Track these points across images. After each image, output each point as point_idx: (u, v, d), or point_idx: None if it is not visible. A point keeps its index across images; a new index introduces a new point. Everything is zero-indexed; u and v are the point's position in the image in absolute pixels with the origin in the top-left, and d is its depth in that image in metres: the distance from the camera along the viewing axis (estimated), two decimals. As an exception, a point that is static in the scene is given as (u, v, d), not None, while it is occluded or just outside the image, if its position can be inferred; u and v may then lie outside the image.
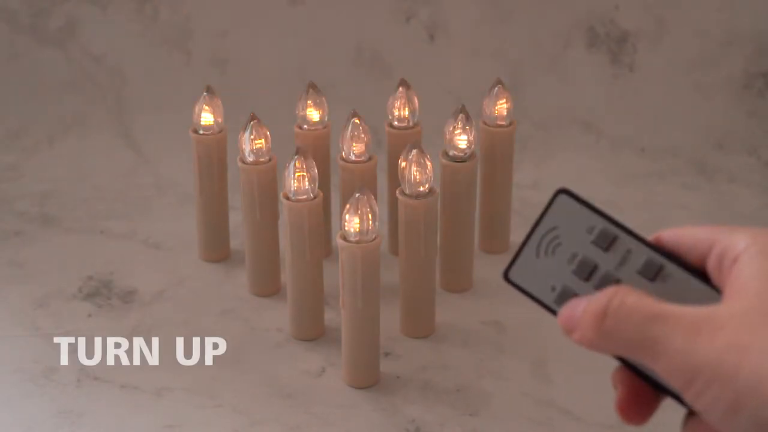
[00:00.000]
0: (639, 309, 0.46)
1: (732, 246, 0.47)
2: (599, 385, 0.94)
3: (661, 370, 0.45)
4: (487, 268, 1.12)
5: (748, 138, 1.38)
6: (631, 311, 0.46)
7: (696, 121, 1.40)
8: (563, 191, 0.52)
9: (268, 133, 1.04)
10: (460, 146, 1.05)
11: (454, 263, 1.09)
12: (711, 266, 0.48)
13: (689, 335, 0.44)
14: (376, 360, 0.96)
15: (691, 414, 0.46)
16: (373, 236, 0.92)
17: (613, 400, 0.45)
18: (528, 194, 1.27)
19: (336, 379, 0.97)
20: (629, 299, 0.46)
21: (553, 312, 0.50)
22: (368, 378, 0.96)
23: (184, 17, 1.44)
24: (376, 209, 0.92)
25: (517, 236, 1.15)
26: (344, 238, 0.92)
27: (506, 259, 0.52)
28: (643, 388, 0.47)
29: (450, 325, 1.04)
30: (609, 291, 0.47)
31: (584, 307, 0.47)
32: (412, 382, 0.96)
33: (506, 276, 0.52)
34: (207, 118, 1.09)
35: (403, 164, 0.99)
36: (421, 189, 0.98)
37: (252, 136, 1.03)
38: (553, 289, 0.50)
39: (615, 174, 1.34)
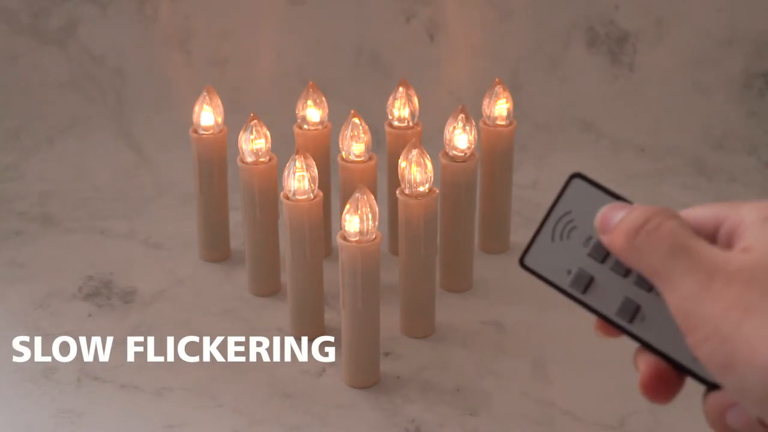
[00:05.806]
0: (670, 237, 0.46)
1: (740, 220, 0.47)
2: (599, 385, 0.95)
3: (670, 304, 0.45)
4: (487, 268, 1.11)
5: (748, 138, 1.38)
6: (662, 238, 0.46)
7: (696, 121, 1.39)
8: (577, 175, 0.52)
9: (268, 133, 1.04)
10: (460, 146, 1.05)
11: (454, 263, 1.09)
12: (722, 244, 0.47)
13: (702, 282, 0.44)
14: (376, 360, 0.96)
15: (709, 391, 0.46)
16: (373, 236, 0.92)
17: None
18: (528, 194, 1.26)
19: (336, 379, 0.97)
20: (665, 226, 0.46)
21: (569, 295, 0.50)
22: (368, 378, 0.96)
23: (184, 17, 1.44)
24: (376, 209, 0.92)
25: (517, 236, 1.15)
26: (344, 238, 0.92)
27: (506, 259, 0.52)
28: (665, 367, 0.47)
29: (450, 325, 1.04)
30: (651, 210, 0.47)
31: (623, 216, 0.48)
32: (412, 382, 0.96)
33: (522, 262, 0.52)
34: (207, 118, 1.10)
35: (403, 164, 0.99)
36: (421, 189, 0.98)
37: (252, 136, 1.03)
38: (569, 272, 0.50)
39: (615, 174, 1.34)
